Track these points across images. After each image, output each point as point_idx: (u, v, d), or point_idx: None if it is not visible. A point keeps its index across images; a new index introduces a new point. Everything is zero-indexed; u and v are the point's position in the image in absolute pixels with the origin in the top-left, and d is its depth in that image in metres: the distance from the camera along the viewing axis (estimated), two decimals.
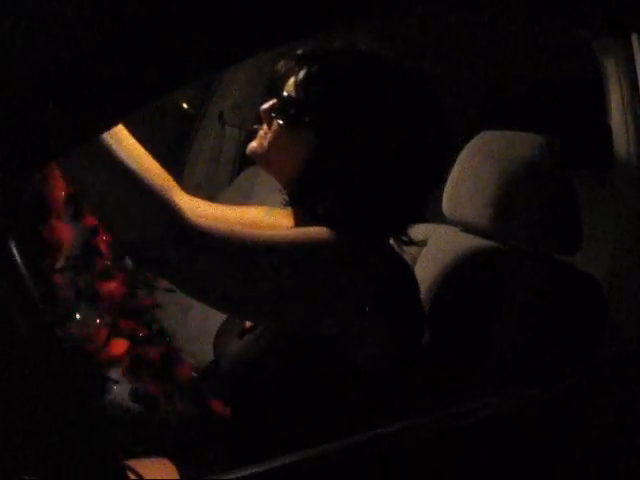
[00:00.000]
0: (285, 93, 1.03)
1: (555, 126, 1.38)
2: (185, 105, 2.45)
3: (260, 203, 1.90)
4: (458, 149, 1.35)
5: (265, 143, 1.04)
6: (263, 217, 1.20)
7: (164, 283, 0.97)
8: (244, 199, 2.07)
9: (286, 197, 1.09)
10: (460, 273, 1.27)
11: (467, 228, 1.33)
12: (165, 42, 0.68)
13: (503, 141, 1.27)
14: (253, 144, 1.06)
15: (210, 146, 2.20)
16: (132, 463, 0.88)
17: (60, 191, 0.96)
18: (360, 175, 1.00)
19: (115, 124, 0.77)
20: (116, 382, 1.12)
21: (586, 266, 1.22)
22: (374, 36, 1.05)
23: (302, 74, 1.02)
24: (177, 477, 0.95)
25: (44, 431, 0.68)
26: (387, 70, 1.03)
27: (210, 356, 1.33)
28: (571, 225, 1.22)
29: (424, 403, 1.11)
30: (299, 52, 1.05)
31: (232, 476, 0.77)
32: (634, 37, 1.03)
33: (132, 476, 0.88)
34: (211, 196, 2.23)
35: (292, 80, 1.04)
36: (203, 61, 0.71)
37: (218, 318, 1.89)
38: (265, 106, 1.06)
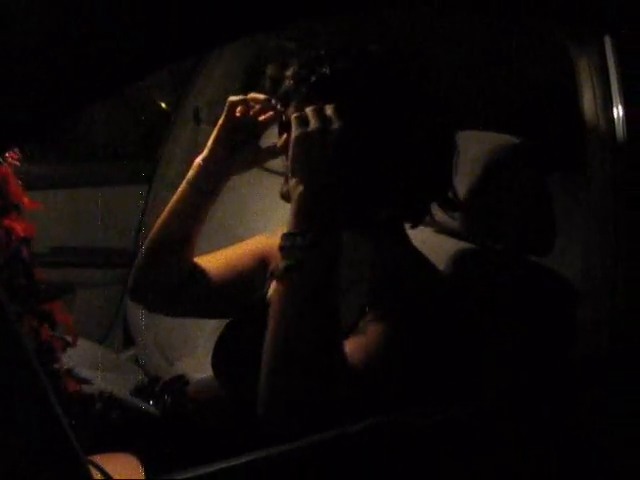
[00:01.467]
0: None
1: (530, 127, 1.39)
2: (163, 105, 2.44)
3: (263, 209, 1.87)
4: None
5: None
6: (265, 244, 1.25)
7: None
8: (242, 206, 2.02)
9: None
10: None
11: (441, 229, 1.33)
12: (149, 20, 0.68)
13: (478, 142, 1.27)
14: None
15: (185, 144, 2.18)
16: (96, 458, 0.87)
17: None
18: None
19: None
20: (87, 381, 1.10)
21: (558, 267, 1.23)
22: (361, 35, 1.05)
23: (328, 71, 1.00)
24: (141, 472, 0.94)
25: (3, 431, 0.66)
26: (392, 62, 1.04)
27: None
28: (544, 226, 1.22)
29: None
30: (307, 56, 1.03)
31: (192, 474, 0.75)
32: (607, 39, 1.04)
33: (98, 475, 0.87)
34: None
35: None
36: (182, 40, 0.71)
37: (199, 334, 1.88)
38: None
